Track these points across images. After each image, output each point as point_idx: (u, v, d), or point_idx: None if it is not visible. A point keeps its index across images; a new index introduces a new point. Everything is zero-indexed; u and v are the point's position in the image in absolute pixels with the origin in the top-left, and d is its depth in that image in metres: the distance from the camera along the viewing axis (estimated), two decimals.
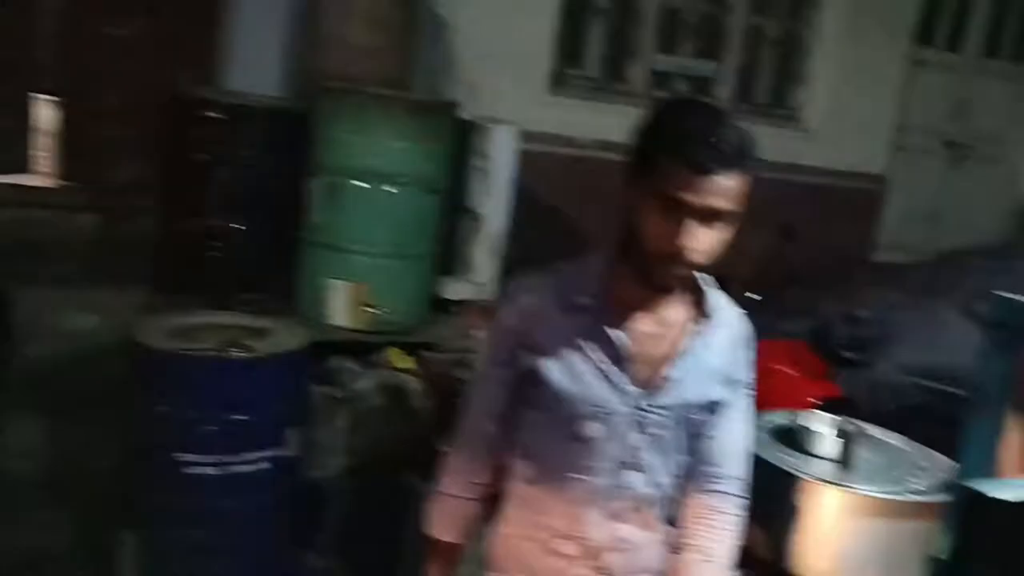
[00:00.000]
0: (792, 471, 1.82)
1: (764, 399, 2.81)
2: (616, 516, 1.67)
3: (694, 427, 1.67)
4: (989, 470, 1.48)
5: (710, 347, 1.65)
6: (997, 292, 1.52)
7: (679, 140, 1.47)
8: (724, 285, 3.58)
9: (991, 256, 3.71)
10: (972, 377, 1.52)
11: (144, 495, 2.98)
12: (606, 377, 1.60)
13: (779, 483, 1.84)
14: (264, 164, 3.80)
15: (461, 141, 4.05)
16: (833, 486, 1.75)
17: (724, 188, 1.47)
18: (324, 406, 3.56)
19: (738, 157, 1.48)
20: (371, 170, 3.59)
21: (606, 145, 5.12)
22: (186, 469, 2.87)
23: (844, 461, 1.77)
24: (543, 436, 1.68)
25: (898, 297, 3.76)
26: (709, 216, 1.48)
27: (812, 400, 3.25)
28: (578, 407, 1.61)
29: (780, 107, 6.02)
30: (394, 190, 3.61)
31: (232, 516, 2.99)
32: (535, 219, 4.54)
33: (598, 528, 1.66)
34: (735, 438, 1.72)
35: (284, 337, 3.10)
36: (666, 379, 1.61)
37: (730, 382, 1.68)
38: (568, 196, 4.91)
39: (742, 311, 1.73)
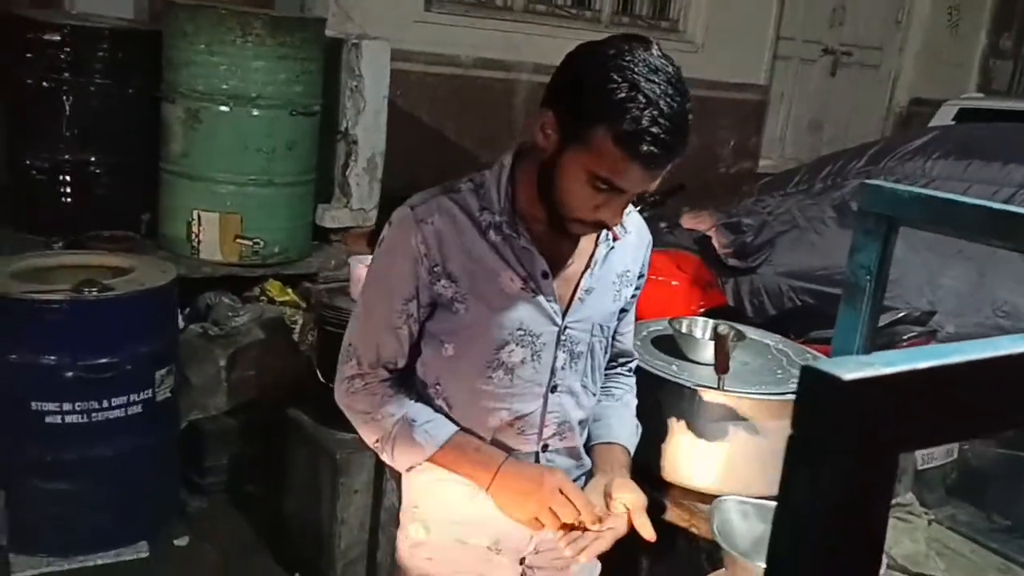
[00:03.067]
0: (670, 377, 1.78)
1: (651, 310, 2.79)
2: (543, 445, 1.57)
3: (605, 334, 1.61)
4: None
5: (619, 253, 1.58)
6: (867, 181, 1.48)
7: (627, 124, 1.28)
8: None
9: (868, 159, 3.73)
10: (846, 269, 1.50)
11: (8, 449, 2.80)
12: (531, 297, 1.49)
13: (659, 392, 1.80)
14: (115, 91, 3.55)
15: (332, 61, 3.85)
16: (710, 390, 1.71)
17: (662, 175, 1.37)
18: (199, 345, 3.40)
19: (684, 147, 1.34)
20: (232, 93, 3.38)
21: (483, 63, 4.98)
22: (49, 419, 2.71)
23: (720, 364, 1.73)
24: (460, 369, 1.53)
25: (779, 203, 3.77)
26: (638, 195, 1.41)
27: (698, 309, 3.25)
28: (501, 332, 1.49)
29: (662, 19, 5.95)
30: (259, 113, 3.41)
31: (106, 465, 2.84)
32: (413, 141, 4.38)
33: (525, 460, 1.55)
34: (630, 329, 1.73)
35: (146, 274, 2.92)
36: (587, 291, 1.53)
37: (635, 280, 1.64)
38: (446, 116, 4.76)
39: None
